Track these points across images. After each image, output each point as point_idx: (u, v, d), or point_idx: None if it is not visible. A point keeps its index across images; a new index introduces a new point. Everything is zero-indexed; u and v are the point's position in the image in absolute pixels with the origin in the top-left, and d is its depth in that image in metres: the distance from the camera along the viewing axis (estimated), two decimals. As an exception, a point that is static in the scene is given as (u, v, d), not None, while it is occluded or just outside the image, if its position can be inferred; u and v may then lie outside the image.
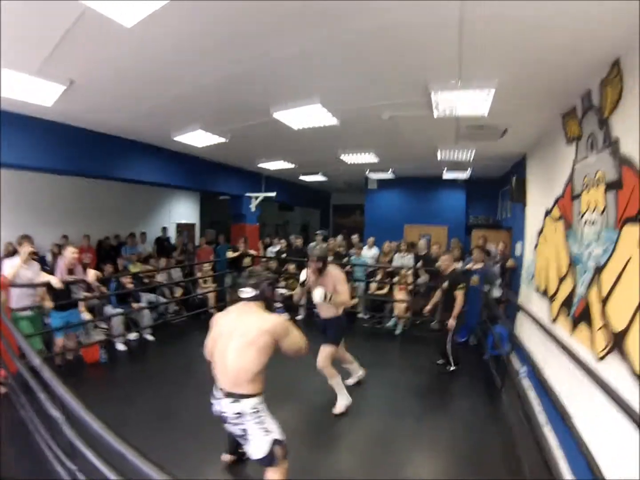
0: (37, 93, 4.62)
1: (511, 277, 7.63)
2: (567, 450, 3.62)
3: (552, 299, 4.77)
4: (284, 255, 10.46)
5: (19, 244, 5.51)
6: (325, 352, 4.83)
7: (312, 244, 10.37)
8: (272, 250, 11.16)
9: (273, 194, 11.31)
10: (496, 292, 7.17)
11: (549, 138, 5.52)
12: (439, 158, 8.00)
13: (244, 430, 2.90)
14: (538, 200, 5.98)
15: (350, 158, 8.58)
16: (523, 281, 6.72)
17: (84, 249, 9.38)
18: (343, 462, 4.12)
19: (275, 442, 2.88)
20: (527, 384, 5.16)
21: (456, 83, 4.06)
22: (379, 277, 9.17)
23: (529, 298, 5.96)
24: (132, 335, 7.47)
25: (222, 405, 2.96)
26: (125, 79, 4.42)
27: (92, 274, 5.92)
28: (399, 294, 8.81)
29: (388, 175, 11.20)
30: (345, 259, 9.64)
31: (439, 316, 6.91)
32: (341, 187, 15.41)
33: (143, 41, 3.42)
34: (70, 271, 5.79)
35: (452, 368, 6.15)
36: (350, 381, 5.62)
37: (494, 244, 8.33)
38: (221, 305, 9.22)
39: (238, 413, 2.88)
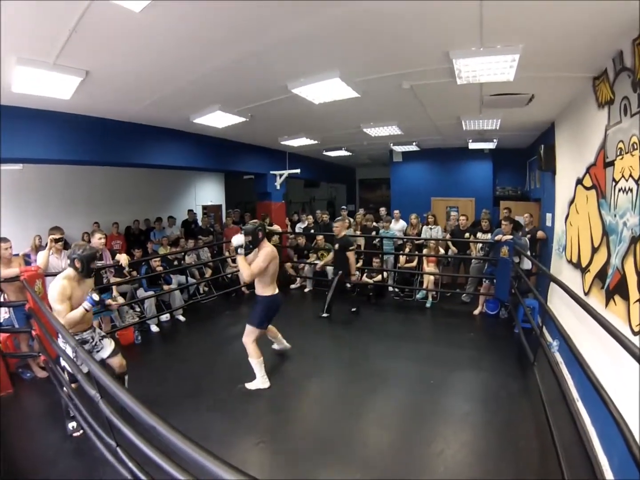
0: (55, 87, 4.65)
1: (541, 248, 7.46)
2: (601, 427, 3.53)
3: (584, 271, 4.61)
4: (311, 231, 10.50)
5: (49, 234, 5.64)
6: (246, 330, 5.07)
7: (337, 219, 10.41)
8: (300, 227, 11.28)
9: (297, 171, 11.24)
10: (526, 264, 7.01)
11: (578, 103, 5.25)
12: (463, 128, 7.80)
13: None
14: (568, 169, 5.72)
15: (373, 131, 8.42)
16: (554, 253, 6.52)
17: (114, 235, 9.69)
18: (372, 433, 4.15)
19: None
20: (559, 358, 5.05)
21: (478, 49, 3.88)
22: (407, 250, 9.11)
23: (560, 270, 5.76)
24: (164, 317, 7.64)
25: None
26: (140, 66, 4.39)
27: (124, 259, 6.04)
28: (428, 267, 8.74)
29: (413, 147, 11.00)
30: (374, 233, 9.59)
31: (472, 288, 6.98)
32: (366, 161, 15.24)
33: (154, 25, 3.35)
34: (99, 257, 5.92)
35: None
36: (275, 346, 5.94)
37: (521, 215, 8.12)
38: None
39: None
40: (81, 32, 3.36)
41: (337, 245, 7.56)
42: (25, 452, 3.92)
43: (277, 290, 5.13)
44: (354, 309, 7.77)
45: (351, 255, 7.33)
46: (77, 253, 3.84)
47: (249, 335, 5.02)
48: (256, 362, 4.99)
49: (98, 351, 4.19)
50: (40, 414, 4.70)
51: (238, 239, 4.75)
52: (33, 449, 3.96)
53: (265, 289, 5.01)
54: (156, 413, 1.78)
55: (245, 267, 4.73)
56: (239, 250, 4.75)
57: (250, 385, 4.97)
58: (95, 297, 3.84)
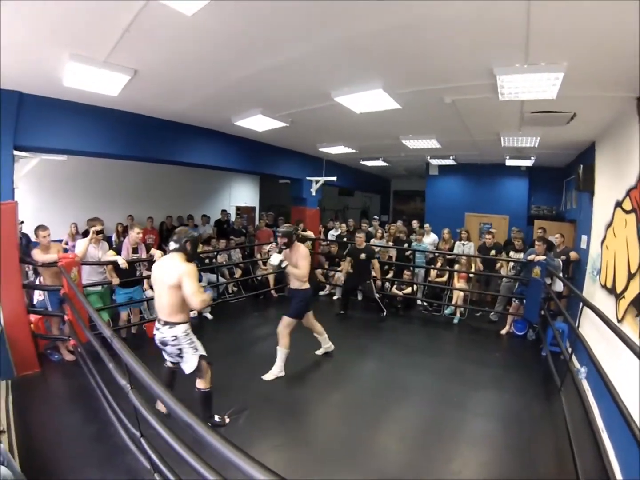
0: (104, 84, 4.77)
1: (574, 271, 7.29)
2: (625, 460, 3.40)
3: (619, 297, 4.47)
4: (344, 239, 10.47)
5: (89, 225, 5.84)
6: (284, 322, 5.40)
7: (369, 229, 10.62)
8: (332, 234, 11.28)
9: (334, 178, 11.29)
10: (558, 286, 6.87)
11: (621, 123, 5.10)
12: (502, 144, 7.70)
13: (180, 349, 3.88)
14: (607, 191, 5.56)
15: (411, 143, 8.41)
16: (587, 276, 6.34)
17: (148, 230, 9.92)
18: (391, 445, 4.12)
19: (202, 357, 3.94)
20: (585, 385, 4.93)
21: (522, 66, 3.85)
22: (438, 264, 9.04)
23: (593, 294, 5.59)
24: (192, 313, 7.69)
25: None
26: (186, 67, 4.48)
27: (158, 255, 6.17)
28: (459, 283, 8.65)
29: (449, 161, 10.92)
30: (406, 245, 9.56)
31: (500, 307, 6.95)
32: (401, 173, 15.20)
33: (203, 28, 3.42)
34: (135, 250, 6.09)
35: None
36: (319, 352, 6.09)
37: (553, 235, 7.96)
38: (280, 286, 9.39)
39: (174, 336, 3.84)
40: (133, 31, 3.46)
41: (363, 255, 8.14)
42: (45, 431, 4.03)
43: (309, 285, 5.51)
44: (341, 312, 8.47)
45: (376, 263, 8.33)
46: (189, 235, 3.99)
47: (286, 327, 5.36)
48: (284, 351, 5.31)
49: None
50: (64, 396, 4.85)
51: (276, 259, 5.22)
52: (53, 429, 4.07)
53: (303, 284, 5.40)
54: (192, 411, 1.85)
55: (297, 272, 5.24)
56: (283, 264, 5.21)
57: (267, 376, 5.23)
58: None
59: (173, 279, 3.71)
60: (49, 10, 3.10)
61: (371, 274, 8.32)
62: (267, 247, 5.27)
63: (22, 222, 7.83)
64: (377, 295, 8.40)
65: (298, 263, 5.28)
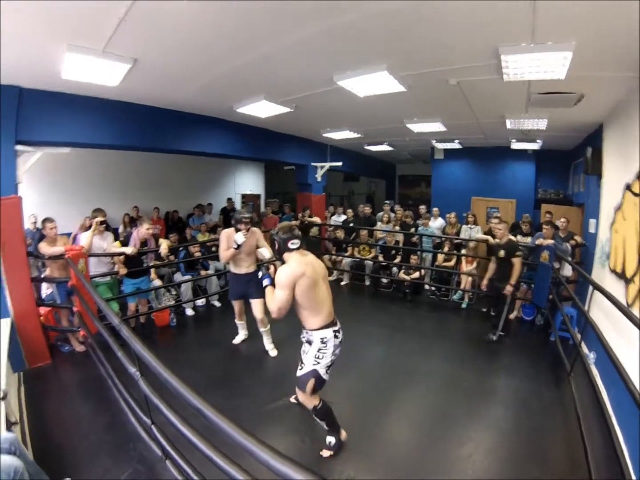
0: (103, 74, 4.72)
1: (582, 255, 7.24)
2: (633, 445, 3.38)
3: (629, 281, 4.41)
4: (351, 225, 10.45)
5: (92, 217, 5.86)
6: (262, 304, 5.25)
7: (379, 214, 10.68)
8: (336, 220, 11.23)
9: (339, 164, 11.28)
10: (567, 271, 6.83)
11: (630, 105, 4.98)
12: (507, 127, 7.62)
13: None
14: (616, 173, 5.48)
15: (416, 127, 8.34)
16: (596, 261, 6.28)
17: (155, 220, 9.96)
18: (401, 431, 4.16)
19: (315, 374, 3.39)
20: (595, 370, 4.91)
21: (529, 45, 3.77)
22: (446, 248, 9.01)
23: (602, 279, 5.50)
24: (200, 302, 7.79)
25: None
26: (186, 54, 4.42)
27: (164, 248, 6.24)
28: (466, 267, 8.62)
29: (455, 145, 10.87)
30: (412, 230, 9.53)
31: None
32: (406, 157, 15.11)
33: (202, 14, 3.37)
34: (143, 244, 6.12)
35: (496, 336, 6.23)
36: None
37: (560, 220, 7.87)
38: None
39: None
40: (130, 20, 3.42)
41: (502, 252, 6.33)
42: (57, 421, 4.09)
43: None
44: (500, 333, 6.51)
45: (518, 263, 6.14)
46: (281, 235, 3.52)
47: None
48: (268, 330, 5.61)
49: None
50: (75, 386, 4.90)
51: (267, 252, 5.17)
52: (65, 419, 4.14)
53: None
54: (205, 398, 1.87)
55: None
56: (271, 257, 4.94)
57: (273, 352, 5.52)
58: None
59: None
60: (45, 2, 3.07)
61: (509, 278, 6.19)
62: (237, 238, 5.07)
63: (36, 217, 7.92)
64: (504, 314, 6.34)
65: (263, 243, 5.39)
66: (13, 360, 4.49)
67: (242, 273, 5.47)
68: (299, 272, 3.27)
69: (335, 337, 3.46)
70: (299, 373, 3.47)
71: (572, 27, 3.40)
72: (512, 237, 6.78)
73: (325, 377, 3.44)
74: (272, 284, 3.52)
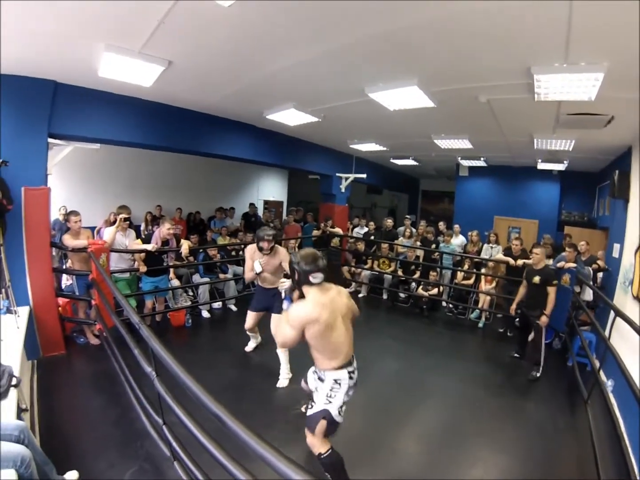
0: (138, 74, 4.80)
1: (604, 280, 7.10)
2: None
3: (652, 309, 4.32)
4: (372, 237, 10.40)
5: (117, 213, 5.95)
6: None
7: (400, 228, 10.60)
8: (358, 232, 11.16)
9: (363, 176, 11.25)
10: (587, 295, 6.70)
11: None
12: (535, 147, 7.53)
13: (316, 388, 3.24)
14: (644, 199, 5.39)
15: (443, 143, 8.32)
16: (618, 286, 6.15)
17: (176, 220, 10.06)
18: (412, 447, 4.09)
19: (326, 414, 3.04)
20: (612, 399, 4.79)
21: (561, 65, 3.73)
22: (465, 266, 8.93)
23: (624, 305, 5.38)
24: (217, 304, 7.84)
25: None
26: (220, 59, 4.48)
27: (185, 248, 6.35)
28: (485, 286, 8.51)
29: (480, 162, 10.80)
30: (433, 246, 9.45)
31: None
32: (431, 173, 15.04)
33: (239, 20, 3.41)
34: (164, 243, 6.20)
35: (538, 373, 5.77)
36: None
37: (580, 243, 7.70)
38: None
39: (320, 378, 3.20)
40: (169, 22, 3.47)
41: (537, 278, 6.01)
42: (67, 411, 4.13)
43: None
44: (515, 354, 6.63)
45: (553, 292, 5.83)
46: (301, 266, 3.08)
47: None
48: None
49: None
50: (87, 379, 4.94)
51: (258, 265, 5.09)
52: (74, 410, 4.19)
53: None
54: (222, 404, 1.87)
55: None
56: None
57: (281, 383, 5.07)
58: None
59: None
60: (86, 2, 3.14)
61: (540, 305, 5.92)
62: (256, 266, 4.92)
63: (66, 208, 8.05)
64: (543, 347, 5.94)
65: (284, 265, 5.07)
66: (28, 348, 4.55)
67: (267, 287, 5.39)
68: (312, 317, 2.90)
69: (350, 378, 3.15)
70: (309, 412, 3.16)
71: (605, 47, 3.37)
72: (549, 263, 6.57)
73: (338, 419, 3.08)
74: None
